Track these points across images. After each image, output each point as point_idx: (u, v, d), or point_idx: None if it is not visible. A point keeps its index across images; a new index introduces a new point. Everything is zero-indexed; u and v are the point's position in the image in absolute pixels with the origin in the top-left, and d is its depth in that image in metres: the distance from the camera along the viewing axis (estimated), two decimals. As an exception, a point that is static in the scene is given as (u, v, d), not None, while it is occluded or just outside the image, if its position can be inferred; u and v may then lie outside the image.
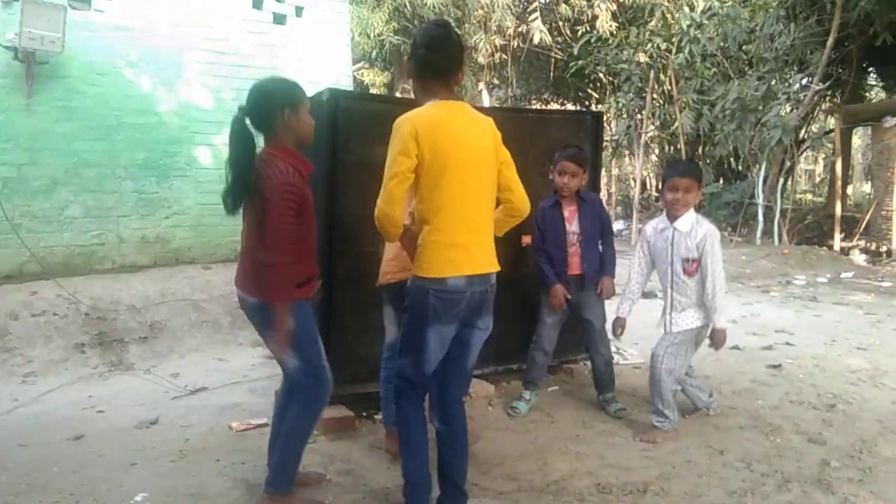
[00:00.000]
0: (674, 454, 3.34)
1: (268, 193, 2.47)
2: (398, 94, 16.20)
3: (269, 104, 2.57)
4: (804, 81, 12.61)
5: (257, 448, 3.38)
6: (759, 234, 11.86)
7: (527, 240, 4.02)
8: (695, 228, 3.52)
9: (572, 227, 3.91)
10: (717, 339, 3.57)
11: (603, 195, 15.13)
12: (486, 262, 2.52)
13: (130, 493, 2.90)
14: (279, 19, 7.53)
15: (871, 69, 15.67)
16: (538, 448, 3.43)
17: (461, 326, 2.53)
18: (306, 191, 2.59)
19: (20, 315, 5.18)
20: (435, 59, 2.49)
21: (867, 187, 20.38)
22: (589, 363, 4.26)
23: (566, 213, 3.92)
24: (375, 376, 3.65)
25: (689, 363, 3.71)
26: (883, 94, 16.60)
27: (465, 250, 2.44)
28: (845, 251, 11.63)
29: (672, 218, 3.58)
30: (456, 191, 2.42)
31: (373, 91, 17.14)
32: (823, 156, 21.13)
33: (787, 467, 3.17)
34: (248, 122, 2.57)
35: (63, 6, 6.03)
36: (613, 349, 5.09)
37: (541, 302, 4.00)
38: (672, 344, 3.58)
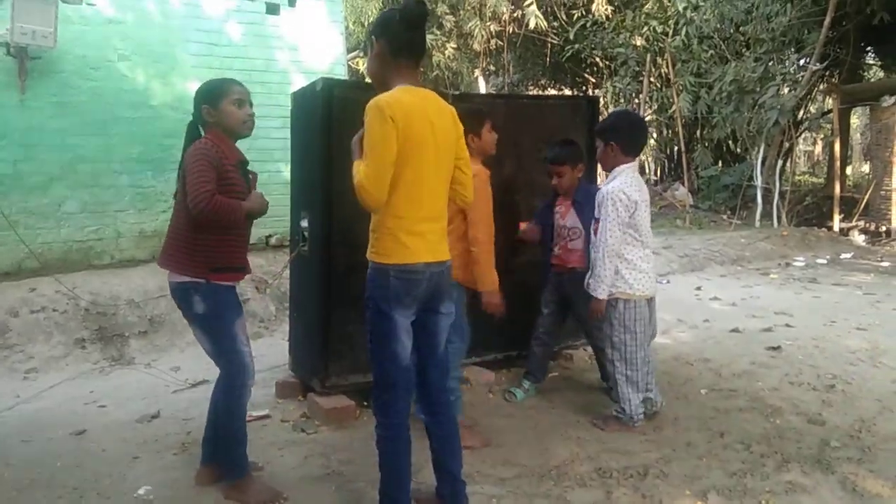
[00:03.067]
0: (674, 437, 3.36)
1: (185, 164, 2.67)
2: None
3: (195, 102, 2.82)
4: (801, 62, 12.56)
5: (259, 439, 3.40)
6: (758, 216, 11.85)
7: (523, 226, 4.01)
8: (603, 187, 3.43)
9: (566, 221, 3.89)
10: (591, 307, 3.40)
11: (600, 181, 15.07)
12: (442, 251, 2.51)
13: (134, 487, 2.91)
14: (272, 9, 7.48)
15: (868, 48, 15.57)
16: (538, 434, 3.44)
17: (425, 313, 2.49)
18: (228, 170, 2.71)
19: (20, 312, 5.19)
20: (413, 39, 2.44)
21: (866, 168, 20.32)
22: (589, 348, 4.27)
23: (560, 209, 3.91)
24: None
25: (646, 343, 3.49)
26: (881, 74, 16.53)
27: (424, 238, 2.42)
28: (844, 232, 11.62)
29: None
30: (420, 179, 2.38)
31: (368, 80, 17.06)
32: (822, 137, 21.07)
33: (787, 448, 3.18)
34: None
35: (54, 0, 5.99)
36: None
37: (540, 294, 4.00)
38: (616, 326, 3.42)
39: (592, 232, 3.50)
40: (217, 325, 2.77)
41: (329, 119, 3.59)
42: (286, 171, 6.72)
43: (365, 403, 3.77)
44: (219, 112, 2.77)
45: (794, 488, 2.78)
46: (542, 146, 3.96)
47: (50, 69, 6.20)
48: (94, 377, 4.73)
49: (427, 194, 2.42)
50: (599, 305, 3.39)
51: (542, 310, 3.99)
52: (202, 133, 2.82)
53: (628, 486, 2.85)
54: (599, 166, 3.77)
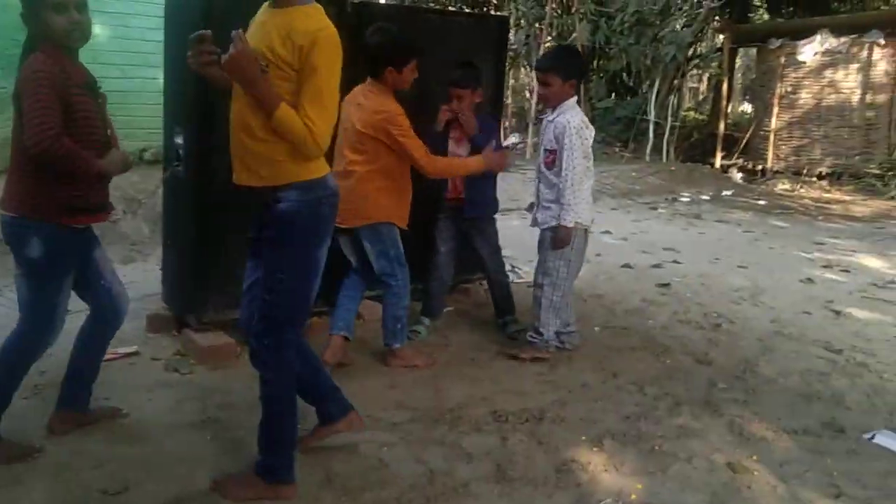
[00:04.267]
0: (569, 377, 3.32)
1: (20, 84, 2.25)
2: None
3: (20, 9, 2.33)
4: (699, -2, 12.68)
5: (126, 380, 3.08)
6: (648, 150, 12.12)
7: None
8: (558, 118, 3.38)
9: (459, 149, 3.68)
10: (560, 236, 3.36)
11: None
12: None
13: None
14: None
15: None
16: (433, 374, 3.31)
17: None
18: (75, 93, 2.30)
19: None
20: None
21: (746, 107, 21.30)
22: (485, 283, 4.16)
23: (455, 135, 3.68)
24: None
25: (575, 272, 3.51)
26: (766, 17, 17.09)
27: None
28: (724, 169, 12.13)
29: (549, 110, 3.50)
30: None
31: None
32: (708, 75, 21.75)
33: (677, 389, 3.22)
34: None
35: None
36: (508, 267, 5.02)
37: (435, 230, 3.80)
38: (553, 252, 3.42)
39: (543, 164, 3.43)
40: (44, 275, 2.38)
41: (208, 14, 3.10)
42: (162, 78, 6.09)
43: (246, 341, 3.49)
44: (38, 21, 2.29)
45: (686, 433, 2.81)
46: (449, 69, 3.66)
47: None
48: None
49: None
50: (568, 233, 3.34)
51: (437, 247, 3.80)
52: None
53: (524, 431, 2.77)
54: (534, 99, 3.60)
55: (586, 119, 3.42)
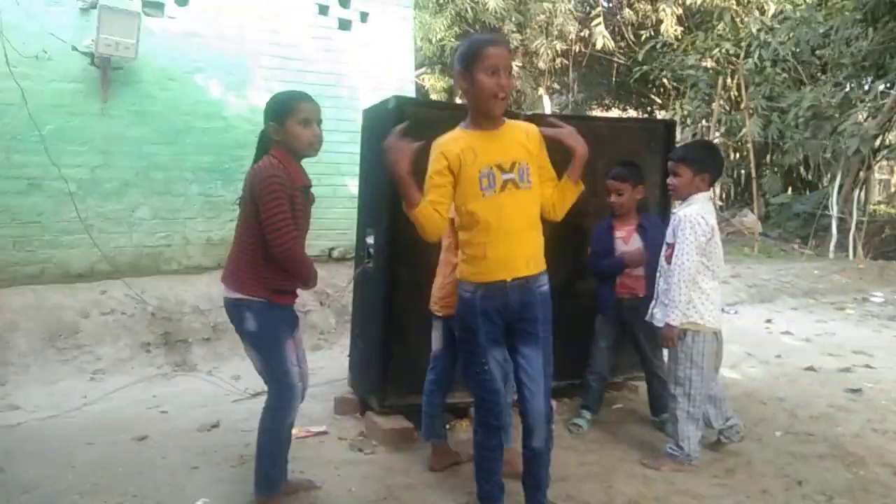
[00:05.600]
0: (748, 482, 3.17)
1: (257, 187, 2.59)
2: (458, 101, 16.19)
3: (264, 116, 2.74)
4: (883, 88, 12.03)
5: (316, 456, 3.38)
6: (832, 247, 11.34)
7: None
8: (679, 212, 3.31)
9: (628, 246, 3.77)
10: (663, 334, 3.26)
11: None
12: None
13: (192, 497, 2.92)
14: (344, 25, 7.59)
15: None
16: (603, 469, 3.30)
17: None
18: (296, 195, 2.65)
19: (90, 313, 5.34)
20: None
21: (948, 199, 19.33)
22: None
23: (622, 234, 3.79)
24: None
25: (710, 378, 3.34)
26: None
27: None
28: (926, 267, 11.02)
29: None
30: None
31: (433, 96, 17.18)
32: (900, 165, 20.16)
33: (872, 503, 2.97)
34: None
35: (137, 13, 6.21)
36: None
37: (596, 323, 3.88)
38: (683, 360, 3.28)
39: (664, 258, 3.38)
40: (267, 344, 2.73)
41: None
42: (351, 185, 6.79)
43: (424, 426, 3.71)
44: (284, 130, 2.67)
45: (884, 549, 2.58)
46: (608, 172, 3.85)
47: (130, 79, 6.42)
48: (158, 381, 4.82)
49: None
50: (672, 332, 3.25)
51: (598, 342, 3.86)
52: (268, 143, 2.73)
53: (700, 533, 2.70)
54: (672, 193, 3.62)
55: (708, 215, 3.29)
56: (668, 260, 3.32)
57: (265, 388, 2.78)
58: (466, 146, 2.51)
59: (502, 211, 2.49)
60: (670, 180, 3.40)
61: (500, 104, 2.49)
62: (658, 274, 3.43)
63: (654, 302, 3.43)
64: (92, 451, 3.43)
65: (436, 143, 2.59)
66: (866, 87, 11.73)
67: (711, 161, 3.44)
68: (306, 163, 2.81)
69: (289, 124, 2.67)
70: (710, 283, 3.29)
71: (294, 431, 3.62)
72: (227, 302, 2.78)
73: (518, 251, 2.53)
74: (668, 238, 3.36)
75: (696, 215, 3.23)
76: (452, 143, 2.55)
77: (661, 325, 3.32)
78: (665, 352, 3.65)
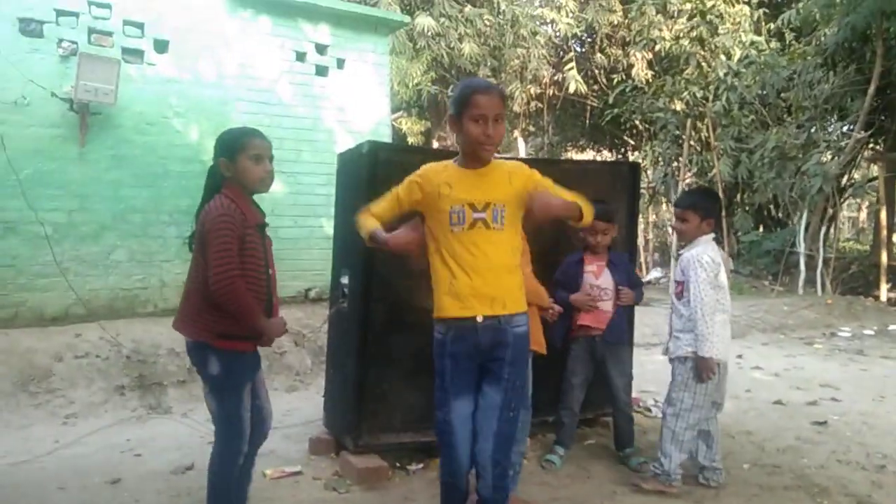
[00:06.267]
0: (715, 515, 3.24)
1: (206, 226, 2.60)
2: (435, 144, 16.44)
3: (214, 152, 2.76)
4: (845, 129, 12.46)
5: (290, 497, 3.39)
6: (801, 283, 11.59)
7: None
8: (685, 253, 3.56)
9: (599, 281, 3.89)
10: (699, 367, 3.38)
11: (640, 242, 14.98)
12: None
13: (165, 540, 2.91)
14: (321, 71, 7.75)
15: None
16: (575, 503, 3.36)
17: None
18: (248, 234, 2.66)
19: (64, 357, 5.31)
20: None
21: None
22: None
23: (592, 268, 3.91)
24: (410, 426, 3.64)
25: (704, 407, 3.47)
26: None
27: None
28: (893, 302, 11.29)
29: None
30: None
31: (410, 139, 17.43)
32: (867, 204, 20.72)
33: (836, 532, 3.05)
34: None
35: (117, 60, 6.31)
36: (651, 402, 5.02)
37: (567, 360, 3.96)
38: (679, 382, 3.48)
39: (674, 295, 3.62)
40: (228, 389, 2.73)
41: (374, 180, 3.66)
42: (327, 227, 6.86)
43: (398, 465, 3.74)
44: (235, 166, 2.68)
45: (845, 576, 2.65)
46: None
47: (109, 124, 6.49)
48: (132, 425, 4.79)
49: None
50: (707, 365, 3.38)
51: (569, 378, 3.93)
52: (218, 181, 2.74)
53: (667, 564, 2.75)
54: (675, 235, 3.83)
55: (717, 255, 3.50)
56: (679, 296, 3.55)
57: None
58: (446, 180, 2.58)
59: (470, 248, 2.52)
60: (678, 225, 3.64)
61: (487, 151, 2.55)
62: (670, 310, 3.65)
63: (668, 338, 3.62)
64: (64, 496, 3.41)
65: (422, 169, 2.67)
66: (829, 129, 12.15)
67: (715, 207, 3.73)
68: (284, 206, 2.87)
69: (240, 160, 2.69)
70: (719, 316, 3.46)
71: (269, 472, 3.67)
72: (188, 345, 2.79)
73: (487, 289, 2.52)
74: (678, 277, 3.61)
75: (701, 254, 3.47)
76: (435, 173, 2.63)
77: (673, 357, 3.53)
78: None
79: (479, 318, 2.51)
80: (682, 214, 3.61)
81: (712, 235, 3.63)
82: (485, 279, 2.52)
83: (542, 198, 2.54)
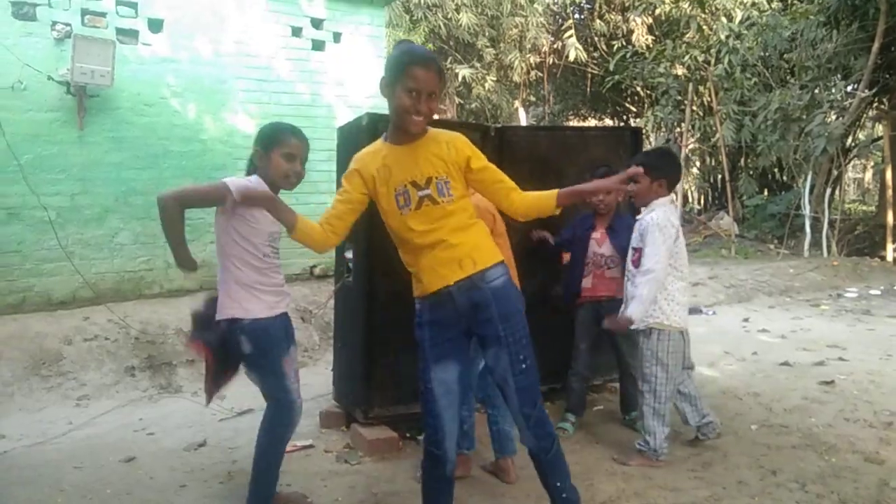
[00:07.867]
0: (724, 474, 3.26)
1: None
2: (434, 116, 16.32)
3: (254, 141, 2.82)
4: (849, 88, 12.32)
5: (303, 470, 3.43)
6: (806, 245, 11.57)
7: (567, 257, 4.01)
8: (645, 217, 3.43)
9: (601, 249, 3.88)
10: (617, 321, 3.34)
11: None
12: None
13: (181, 515, 2.96)
14: (318, 46, 7.69)
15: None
16: (584, 469, 3.37)
17: None
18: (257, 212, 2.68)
19: (73, 340, 5.35)
20: None
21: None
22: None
23: (597, 235, 3.90)
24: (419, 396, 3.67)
25: (677, 377, 3.45)
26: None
27: None
28: (899, 262, 11.27)
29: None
30: None
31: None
32: (872, 164, 20.57)
33: (844, 488, 3.07)
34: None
35: (112, 41, 6.26)
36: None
37: (574, 326, 3.97)
38: (648, 357, 3.39)
39: (631, 262, 3.49)
40: (271, 362, 2.78)
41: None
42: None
43: (408, 434, 3.77)
44: (266, 158, 2.76)
45: (853, 531, 2.68)
46: (586, 177, 3.95)
47: (107, 106, 6.46)
48: (143, 404, 4.84)
49: None
50: (625, 323, 3.32)
51: (577, 344, 3.95)
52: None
53: (678, 524, 2.78)
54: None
55: (673, 218, 3.42)
56: (636, 264, 3.42)
57: (251, 406, 2.82)
58: (382, 164, 2.45)
59: (422, 228, 2.42)
60: (630, 187, 3.44)
61: (416, 124, 2.39)
62: (626, 277, 3.54)
63: (623, 305, 3.51)
64: (80, 474, 3.46)
65: (356, 156, 2.54)
66: (833, 89, 12.00)
67: (668, 167, 3.53)
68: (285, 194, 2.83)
69: (273, 154, 2.75)
70: (675, 283, 3.40)
71: (280, 446, 3.69)
72: (222, 325, 2.80)
73: (449, 258, 2.42)
74: (634, 243, 3.47)
75: (663, 219, 3.35)
76: (370, 159, 2.49)
77: (637, 329, 3.40)
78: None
79: (451, 283, 2.43)
80: (645, 180, 3.45)
81: (670, 198, 3.55)
82: (444, 252, 2.42)
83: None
